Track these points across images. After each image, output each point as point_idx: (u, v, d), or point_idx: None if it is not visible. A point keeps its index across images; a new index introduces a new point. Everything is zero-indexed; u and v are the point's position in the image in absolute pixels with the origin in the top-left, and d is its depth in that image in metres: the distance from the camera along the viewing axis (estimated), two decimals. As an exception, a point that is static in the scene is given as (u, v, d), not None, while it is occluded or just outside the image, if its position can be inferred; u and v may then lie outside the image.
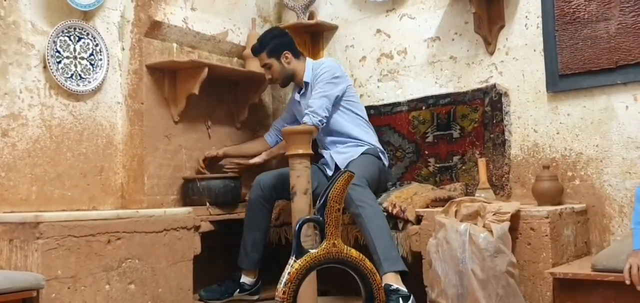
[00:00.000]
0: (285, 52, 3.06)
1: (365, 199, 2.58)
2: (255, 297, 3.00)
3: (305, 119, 2.91)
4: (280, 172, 3.02)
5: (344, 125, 3.02)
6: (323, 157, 3.08)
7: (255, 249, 2.95)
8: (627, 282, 1.97)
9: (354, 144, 3.00)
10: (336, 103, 2.99)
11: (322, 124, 2.91)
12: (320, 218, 1.93)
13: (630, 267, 1.98)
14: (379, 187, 2.89)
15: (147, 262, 2.50)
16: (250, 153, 3.24)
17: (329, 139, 3.06)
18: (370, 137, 3.05)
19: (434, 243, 2.41)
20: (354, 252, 1.96)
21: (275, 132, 3.29)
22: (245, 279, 2.98)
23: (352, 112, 3.05)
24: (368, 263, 1.98)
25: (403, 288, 2.40)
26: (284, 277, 1.87)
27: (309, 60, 3.16)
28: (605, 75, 2.66)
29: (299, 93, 3.13)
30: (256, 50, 3.10)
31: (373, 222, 2.54)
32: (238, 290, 2.97)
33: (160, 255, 2.56)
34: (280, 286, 1.86)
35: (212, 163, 3.25)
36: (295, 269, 1.86)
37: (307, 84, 3.08)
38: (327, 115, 2.93)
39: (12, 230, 2.28)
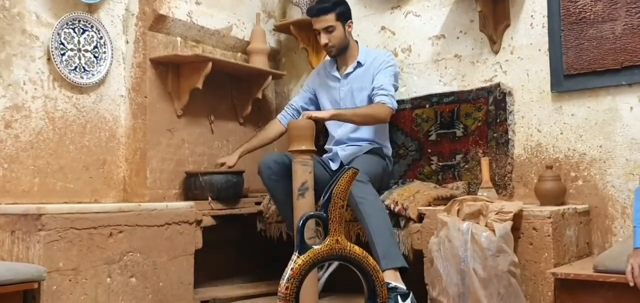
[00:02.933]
0: (349, 20, 3.00)
1: (366, 195, 2.57)
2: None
3: (385, 100, 2.83)
4: (282, 153, 2.96)
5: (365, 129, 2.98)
6: (327, 151, 3.07)
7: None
8: (631, 284, 1.96)
9: (365, 141, 2.98)
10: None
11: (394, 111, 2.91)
12: (324, 215, 1.93)
13: (632, 268, 1.97)
14: (382, 186, 2.87)
15: (149, 255, 2.50)
16: (269, 141, 3.19)
17: (340, 132, 3.02)
18: (380, 135, 3.03)
19: (435, 242, 2.41)
20: (357, 249, 1.96)
21: (293, 112, 3.17)
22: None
23: None
24: (371, 260, 1.97)
25: (402, 285, 2.39)
26: (287, 273, 1.86)
27: (359, 43, 3.11)
28: (610, 76, 2.65)
29: (337, 70, 3.06)
30: (325, 9, 2.94)
31: (373, 218, 2.53)
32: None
33: (161, 249, 2.56)
34: (283, 282, 1.86)
35: (214, 160, 3.25)
36: (299, 265, 1.86)
37: (360, 64, 3.01)
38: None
39: (14, 222, 2.28)
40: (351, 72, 3.03)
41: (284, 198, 2.80)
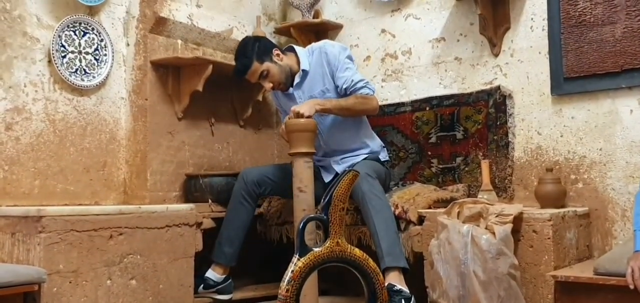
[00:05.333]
0: (273, 50, 2.80)
1: (375, 191, 2.55)
2: (224, 297, 2.84)
3: (364, 91, 2.72)
4: (265, 169, 2.97)
5: (353, 128, 2.87)
6: (320, 159, 2.93)
7: (230, 244, 2.82)
8: (631, 287, 1.96)
9: (359, 149, 2.90)
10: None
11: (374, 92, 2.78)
12: (325, 217, 1.92)
13: (633, 271, 1.97)
14: (384, 187, 2.86)
15: (149, 257, 2.50)
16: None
17: (333, 147, 2.90)
18: (374, 140, 2.97)
19: (436, 244, 2.41)
20: (357, 251, 1.96)
21: None
22: (212, 274, 2.82)
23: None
24: (371, 262, 1.97)
25: (406, 289, 2.39)
26: (287, 275, 1.86)
27: (296, 48, 2.91)
28: (610, 79, 2.66)
29: (292, 86, 2.87)
30: (244, 67, 2.78)
31: (380, 214, 2.52)
32: (202, 285, 2.79)
33: (161, 251, 2.56)
34: (283, 284, 1.86)
35: (214, 162, 3.25)
36: (299, 267, 1.86)
37: (305, 72, 2.83)
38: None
39: (14, 224, 2.28)
40: (301, 82, 2.85)
41: (237, 224, 2.83)
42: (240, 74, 2.84)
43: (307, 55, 2.88)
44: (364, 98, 2.76)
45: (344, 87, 2.77)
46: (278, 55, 2.82)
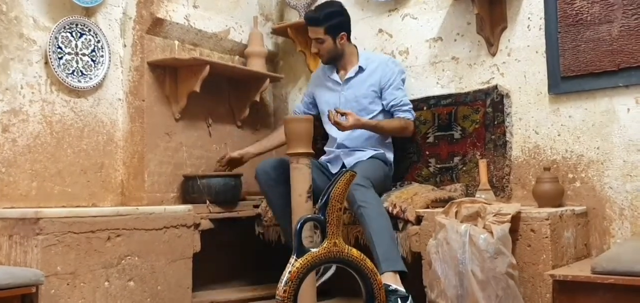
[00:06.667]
0: (342, 32, 2.98)
1: (368, 199, 2.57)
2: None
3: (407, 116, 2.97)
4: (279, 158, 2.97)
5: (372, 140, 2.98)
6: (326, 153, 3.06)
7: (289, 223, 2.77)
8: None
9: (371, 147, 2.97)
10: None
11: None
12: (322, 217, 1.92)
13: None
14: (383, 191, 2.86)
15: (147, 259, 2.50)
16: (273, 147, 3.22)
17: (346, 143, 3.00)
18: (385, 145, 3.04)
19: (434, 244, 2.41)
20: (355, 252, 1.96)
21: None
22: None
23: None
24: (369, 263, 1.97)
25: (402, 288, 2.39)
26: (285, 276, 1.86)
27: (359, 48, 3.13)
28: (608, 78, 2.66)
29: (338, 74, 3.06)
30: (314, 21, 2.97)
31: (374, 221, 2.53)
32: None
33: (159, 252, 2.55)
34: (281, 285, 1.86)
35: (212, 163, 3.25)
36: (296, 268, 1.86)
37: (361, 69, 3.01)
38: None
39: (12, 226, 2.28)
40: (353, 77, 3.03)
41: (282, 203, 2.78)
42: (306, 22, 3.04)
43: (367, 57, 3.08)
44: (405, 122, 2.98)
45: (392, 103, 2.98)
46: (342, 38, 3.00)
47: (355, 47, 3.10)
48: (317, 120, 3.10)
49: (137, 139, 3.01)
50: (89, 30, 2.91)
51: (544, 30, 2.84)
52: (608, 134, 2.68)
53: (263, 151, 3.22)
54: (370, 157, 2.92)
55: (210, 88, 3.17)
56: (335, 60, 3.06)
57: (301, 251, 1.89)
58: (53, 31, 2.76)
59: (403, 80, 3.05)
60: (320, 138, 3.26)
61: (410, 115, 2.99)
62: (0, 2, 2.62)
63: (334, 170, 2.97)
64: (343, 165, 2.96)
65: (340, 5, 3.05)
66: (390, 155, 3.04)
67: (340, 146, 3.02)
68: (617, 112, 2.66)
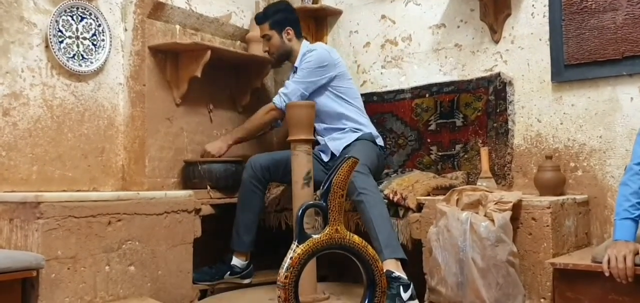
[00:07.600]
0: (287, 28, 3.02)
1: (368, 187, 2.57)
2: (247, 280, 2.97)
3: (275, 99, 2.94)
4: (273, 154, 3.02)
5: (337, 109, 2.95)
6: (319, 143, 3.05)
7: (248, 232, 2.93)
8: (606, 274, 2.00)
9: (349, 129, 2.95)
10: (324, 88, 2.94)
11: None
12: (324, 204, 1.92)
13: (609, 259, 2.00)
14: (378, 172, 2.87)
15: (147, 244, 2.50)
16: (251, 136, 3.17)
17: (323, 126, 3.00)
18: (364, 121, 2.99)
19: (434, 231, 2.41)
20: (356, 238, 1.96)
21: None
22: (237, 261, 2.94)
23: (343, 98, 2.96)
24: (370, 249, 1.97)
25: (404, 275, 2.40)
26: (286, 262, 1.86)
27: (305, 42, 3.09)
28: (611, 66, 2.65)
29: (293, 74, 3.06)
30: (259, 19, 3.07)
31: (374, 209, 2.54)
32: (229, 272, 2.94)
33: (160, 237, 2.55)
34: (282, 271, 1.86)
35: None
36: (298, 254, 1.86)
37: (296, 68, 3.01)
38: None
39: (12, 210, 2.27)
40: (294, 73, 3.03)
41: (251, 212, 2.91)
42: (256, 22, 3.13)
43: (306, 49, 3.01)
44: (263, 111, 2.99)
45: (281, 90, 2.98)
46: (288, 34, 3.03)
47: (308, 44, 3.08)
48: None
49: (138, 123, 3.00)
50: (90, 14, 2.89)
51: (548, 17, 2.82)
52: (611, 123, 2.67)
53: (240, 142, 3.13)
54: (359, 140, 2.89)
55: (211, 73, 3.15)
56: (286, 58, 3.10)
57: (303, 237, 1.89)
58: (54, 14, 2.74)
59: (312, 68, 2.91)
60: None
61: (277, 99, 2.93)
62: (0, -15, 2.60)
63: (325, 158, 2.97)
64: (332, 154, 2.94)
65: (286, 3, 3.13)
66: (377, 135, 2.99)
67: (322, 133, 3.02)
68: (620, 101, 2.65)
